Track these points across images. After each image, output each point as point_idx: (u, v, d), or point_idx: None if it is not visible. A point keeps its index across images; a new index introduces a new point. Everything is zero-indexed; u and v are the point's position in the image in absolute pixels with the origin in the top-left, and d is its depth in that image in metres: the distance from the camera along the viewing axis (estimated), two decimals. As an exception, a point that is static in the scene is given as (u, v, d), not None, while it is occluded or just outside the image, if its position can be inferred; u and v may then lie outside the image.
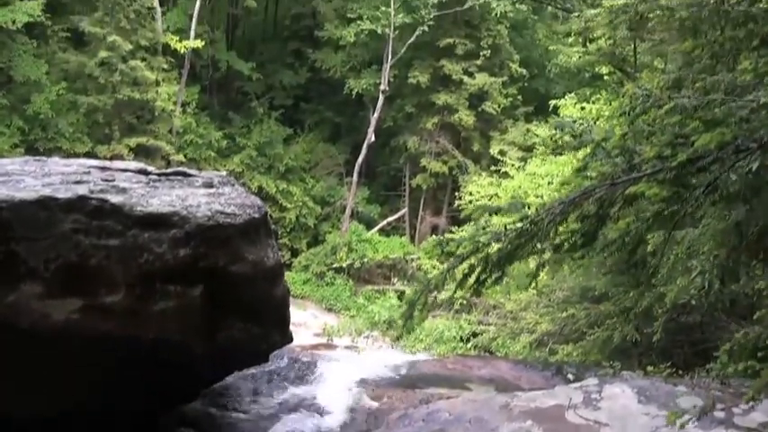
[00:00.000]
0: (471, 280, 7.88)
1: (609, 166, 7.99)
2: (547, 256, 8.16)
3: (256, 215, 8.34)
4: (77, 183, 7.82)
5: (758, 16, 8.41)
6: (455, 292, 8.27)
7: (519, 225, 7.63)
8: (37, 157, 9.06)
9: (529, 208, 8.22)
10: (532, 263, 8.55)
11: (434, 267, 30.16)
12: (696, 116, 7.09)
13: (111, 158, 31.92)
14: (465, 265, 7.85)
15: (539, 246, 7.77)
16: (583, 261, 10.26)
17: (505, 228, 7.72)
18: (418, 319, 8.40)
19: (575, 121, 24.82)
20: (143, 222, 7.60)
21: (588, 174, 8.51)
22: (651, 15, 15.04)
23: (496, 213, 9.18)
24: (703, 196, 7.05)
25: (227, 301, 8.17)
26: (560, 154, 24.94)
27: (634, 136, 8.12)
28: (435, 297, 8.23)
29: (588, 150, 8.92)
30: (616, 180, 7.47)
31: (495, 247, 7.71)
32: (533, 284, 10.21)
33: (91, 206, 7.44)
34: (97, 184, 7.87)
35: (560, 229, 7.67)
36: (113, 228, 7.45)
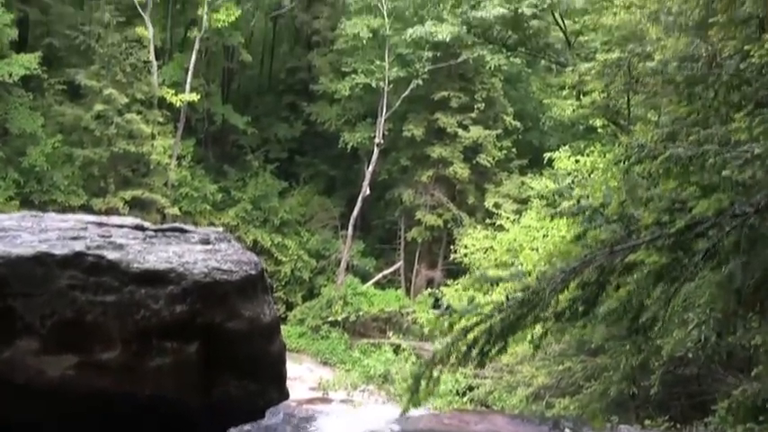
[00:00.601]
0: (475, 352, 7.84)
1: (608, 233, 8.00)
2: (549, 324, 8.12)
3: (253, 272, 8.29)
4: (74, 239, 7.79)
5: (751, 79, 8.44)
6: (459, 365, 8.21)
7: (520, 295, 7.62)
8: (34, 213, 9.01)
9: (529, 276, 8.21)
10: (535, 330, 8.50)
11: (430, 322, 30.01)
12: (693, 181, 7.12)
13: (107, 211, 32.10)
14: (469, 337, 7.82)
15: (541, 315, 7.73)
16: (585, 330, 10.23)
17: (507, 298, 7.71)
18: (424, 394, 8.31)
19: (569, 173, 24.95)
20: (140, 279, 7.56)
21: (588, 242, 8.50)
22: (645, 76, 15.17)
23: (497, 284, 9.14)
24: (702, 262, 7.05)
25: (223, 358, 8.10)
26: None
27: (632, 202, 8.13)
28: (440, 372, 8.14)
29: (587, 215, 8.92)
30: (615, 248, 7.47)
31: (497, 317, 7.68)
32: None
33: (87, 262, 7.41)
34: (94, 240, 7.84)
35: (561, 297, 7.64)
36: (110, 284, 7.41)
